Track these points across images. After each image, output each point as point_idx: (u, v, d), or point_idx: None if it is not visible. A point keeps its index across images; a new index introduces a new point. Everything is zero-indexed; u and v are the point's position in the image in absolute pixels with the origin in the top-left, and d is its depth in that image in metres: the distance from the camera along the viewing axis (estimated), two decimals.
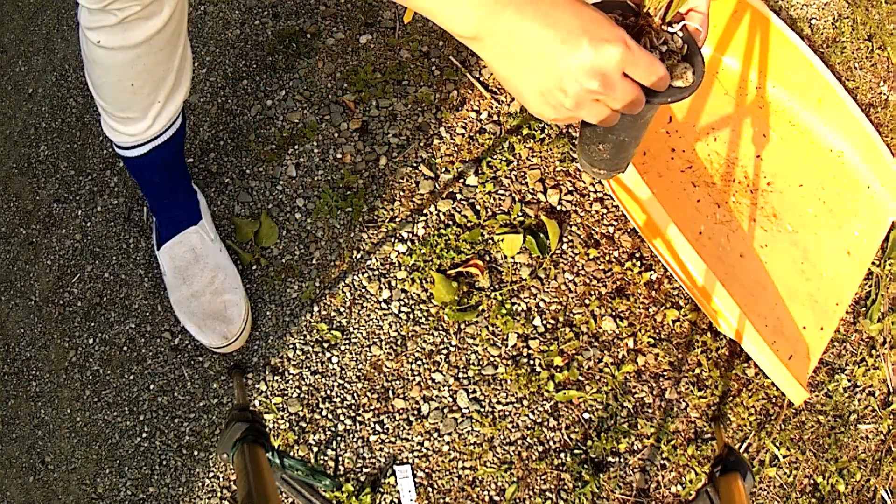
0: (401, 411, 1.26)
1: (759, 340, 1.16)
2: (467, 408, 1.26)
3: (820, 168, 1.48)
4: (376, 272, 1.32)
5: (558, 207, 1.36)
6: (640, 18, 0.68)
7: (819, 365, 1.35)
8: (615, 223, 1.37)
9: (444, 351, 1.28)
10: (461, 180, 1.37)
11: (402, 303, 1.30)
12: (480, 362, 1.28)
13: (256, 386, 1.26)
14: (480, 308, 1.30)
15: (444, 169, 1.38)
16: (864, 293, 1.41)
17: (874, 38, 1.62)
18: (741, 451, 1.28)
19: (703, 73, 0.69)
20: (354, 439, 1.24)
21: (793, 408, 1.31)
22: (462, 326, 1.29)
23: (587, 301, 1.32)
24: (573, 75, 0.53)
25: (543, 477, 1.24)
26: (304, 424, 1.25)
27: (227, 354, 1.28)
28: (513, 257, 1.33)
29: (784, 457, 1.29)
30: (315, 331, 1.29)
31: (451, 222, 1.35)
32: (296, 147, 1.40)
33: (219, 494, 1.23)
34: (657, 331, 1.32)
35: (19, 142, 1.45)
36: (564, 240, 1.36)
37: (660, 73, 0.57)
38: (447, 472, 1.24)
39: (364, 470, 1.23)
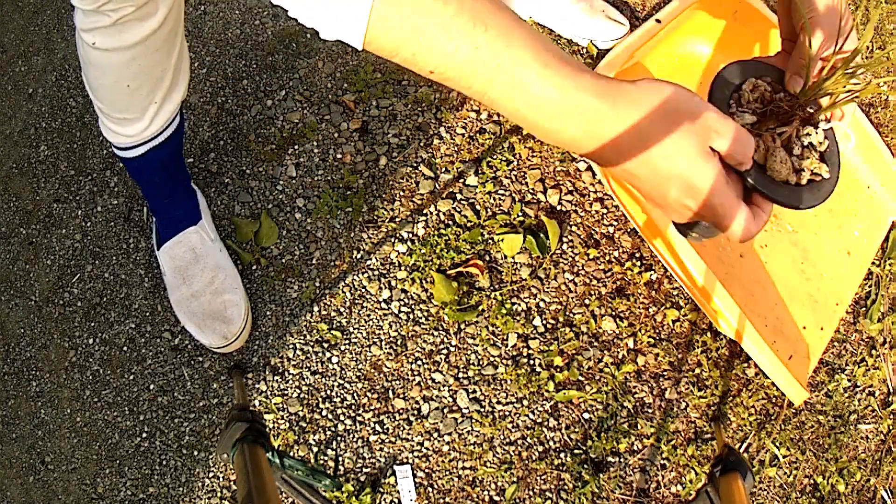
0: (401, 411, 1.26)
1: (759, 340, 1.16)
2: (467, 408, 1.26)
3: None
4: (376, 272, 1.32)
5: (558, 207, 1.36)
6: (788, 101, 0.64)
7: (819, 365, 1.35)
8: (615, 223, 1.37)
9: (444, 351, 1.28)
10: (461, 180, 1.37)
11: (402, 303, 1.30)
12: (480, 362, 1.28)
13: (256, 386, 1.26)
14: (480, 308, 1.30)
15: (444, 169, 1.38)
16: (864, 293, 1.41)
17: (874, 38, 1.62)
18: (741, 451, 1.28)
19: (837, 179, 0.65)
20: (354, 439, 1.24)
21: (793, 408, 1.31)
22: (462, 326, 1.29)
23: (587, 301, 1.32)
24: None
25: (543, 477, 1.24)
26: (304, 424, 1.25)
27: (227, 354, 1.28)
28: (513, 257, 1.33)
29: (784, 457, 1.29)
30: (315, 331, 1.29)
31: (451, 222, 1.35)
32: (296, 147, 1.40)
33: (219, 494, 1.23)
34: (657, 331, 1.32)
35: (19, 142, 1.45)
36: (564, 240, 1.36)
37: (745, 234, 0.57)
38: (447, 472, 1.24)
39: (364, 470, 1.23)
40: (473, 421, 1.25)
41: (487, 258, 1.33)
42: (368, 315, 1.30)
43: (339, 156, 1.39)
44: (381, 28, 0.47)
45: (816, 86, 0.64)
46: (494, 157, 1.39)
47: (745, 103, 0.65)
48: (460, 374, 1.27)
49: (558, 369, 1.28)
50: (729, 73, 0.66)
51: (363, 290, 1.31)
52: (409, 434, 1.25)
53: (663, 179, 0.54)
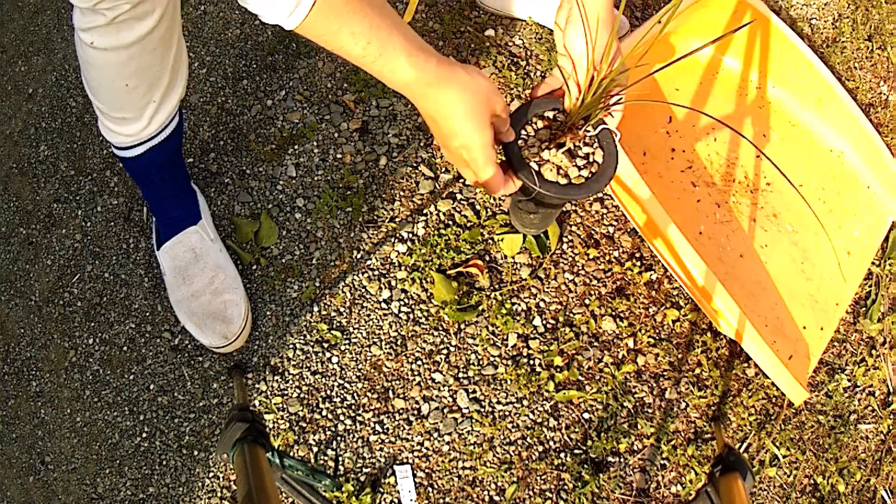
0: (401, 411, 1.26)
1: (759, 340, 1.16)
2: (467, 408, 1.26)
3: (820, 168, 1.48)
4: (376, 272, 1.32)
5: None
6: (567, 119, 0.89)
7: (819, 365, 1.35)
8: (615, 223, 1.37)
9: (444, 351, 1.28)
10: (461, 180, 1.37)
11: (402, 303, 1.30)
12: (480, 362, 1.28)
13: (256, 386, 1.26)
14: (480, 308, 1.30)
15: (444, 169, 1.38)
16: (864, 293, 1.41)
17: (874, 38, 1.62)
18: (741, 451, 1.28)
19: (609, 179, 0.90)
20: (354, 439, 1.24)
21: (793, 408, 1.31)
22: (462, 326, 1.29)
23: (587, 301, 1.32)
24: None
25: (543, 477, 1.24)
26: (304, 424, 1.25)
27: (226, 354, 1.28)
28: (513, 257, 1.33)
29: (784, 457, 1.29)
30: (315, 331, 1.29)
31: (451, 222, 1.35)
32: (296, 147, 1.40)
33: (219, 494, 1.23)
34: (657, 331, 1.32)
35: (19, 142, 1.45)
36: (564, 240, 1.36)
37: (485, 179, 0.84)
38: (447, 472, 1.24)
39: (364, 470, 1.23)
40: (473, 421, 1.25)
41: (487, 258, 1.33)
42: (368, 315, 1.30)
43: (339, 156, 1.39)
44: (309, 25, 0.69)
45: (579, 109, 0.87)
46: None
47: (535, 134, 0.90)
48: (460, 374, 1.27)
49: (558, 369, 1.28)
50: (518, 113, 0.91)
51: (363, 290, 1.31)
52: (409, 434, 1.25)
53: (451, 132, 0.80)
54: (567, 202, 1.07)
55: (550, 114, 0.91)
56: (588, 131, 0.90)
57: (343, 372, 1.27)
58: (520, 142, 0.90)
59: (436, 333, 1.29)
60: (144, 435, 1.26)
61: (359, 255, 1.33)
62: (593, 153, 0.91)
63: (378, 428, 1.25)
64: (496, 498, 1.23)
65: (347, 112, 1.42)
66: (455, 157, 0.84)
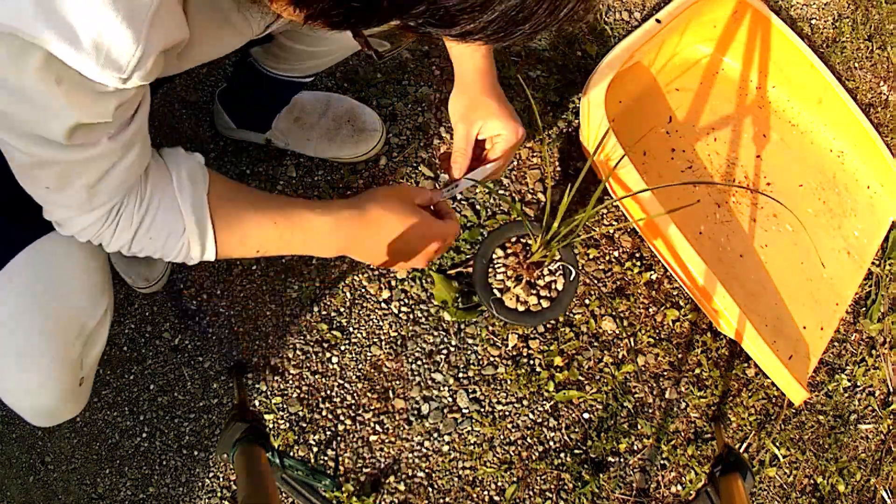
0: (401, 411, 1.26)
1: (759, 340, 1.16)
2: (467, 408, 1.26)
3: (820, 168, 1.48)
4: (376, 272, 1.32)
5: (557, 207, 1.36)
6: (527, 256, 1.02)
7: (819, 365, 1.35)
8: (615, 223, 1.37)
9: (444, 351, 1.28)
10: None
11: (402, 303, 1.30)
12: (480, 362, 1.28)
13: (256, 386, 1.26)
14: (480, 308, 1.30)
15: (444, 169, 1.38)
16: (864, 293, 1.41)
17: (874, 38, 1.62)
18: (741, 451, 1.28)
19: (564, 309, 1.06)
20: (354, 439, 1.24)
21: (793, 408, 1.31)
22: (462, 326, 1.29)
23: (587, 301, 1.32)
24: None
25: (543, 477, 1.24)
26: (304, 424, 1.25)
27: (150, 295, 1.28)
28: None
29: (784, 457, 1.29)
30: (315, 331, 1.29)
31: None
32: None
33: (219, 494, 1.23)
34: (657, 331, 1.32)
35: None
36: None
37: (449, 233, 0.93)
38: (447, 472, 1.24)
39: (364, 470, 1.23)
40: (473, 421, 1.25)
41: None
42: (368, 315, 1.30)
43: None
44: (223, 251, 0.78)
45: (538, 251, 0.98)
46: None
47: (503, 260, 1.01)
48: (460, 374, 1.27)
49: (558, 369, 1.28)
50: (487, 240, 1.03)
51: (363, 290, 1.31)
52: (409, 434, 1.25)
53: (392, 230, 0.86)
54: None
55: (516, 243, 1.01)
56: (548, 269, 1.00)
57: (343, 372, 1.27)
58: (490, 269, 1.00)
59: (436, 333, 1.29)
60: (144, 435, 1.26)
61: None
62: (555, 281, 1.00)
63: (378, 428, 1.25)
64: (496, 498, 1.23)
65: None
66: (418, 258, 0.91)
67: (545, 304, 0.99)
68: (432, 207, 0.93)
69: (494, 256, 1.01)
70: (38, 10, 0.50)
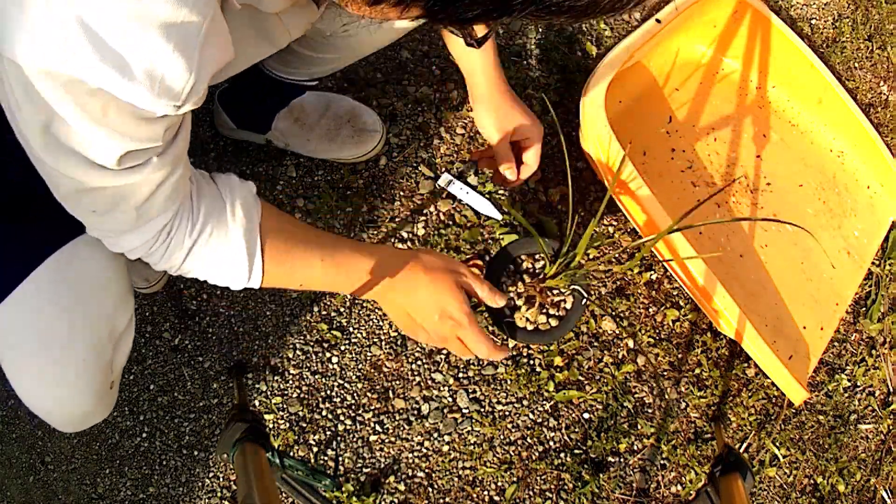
0: (401, 411, 1.26)
1: (759, 340, 1.16)
2: (467, 408, 1.26)
3: (820, 168, 1.48)
4: None
5: (558, 207, 1.36)
6: (538, 281, 1.00)
7: (819, 365, 1.35)
8: (615, 223, 1.37)
9: (444, 351, 1.28)
10: (461, 180, 1.37)
11: None
12: (480, 362, 1.28)
13: (256, 386, 1.26)
14: (480, 308, 1.30)
15: (443, 169, 1.38)
16: (864, 293, 1.41)
17: (874, 38, 1.62)
18: (741, 451, 1.28)
19: (571, 327, 1.02)
20: (354, 439, 1.24)
21: (793, 408, 1.31)
22: None
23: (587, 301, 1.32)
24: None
25: (543, 477, 1.24)
26: (304, 424, 1.25)
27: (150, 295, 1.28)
28: None
29: (784, 457, 1.29)
30: (315, 331, 1.29)
31: (451, 222, 1.35)
32: None
33: (219, 494, 1.23)
34: (657, 331, 1.32)
35: None
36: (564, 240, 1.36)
37: (482, 353, 0.92)
38: (447, 472, 1.24)
39: (364, 470, 1.23)
40: (473, 421, 1.25)
41: (487, 258, 1.33)
42: (368, 315, 1.30)
43: None
44: (267, 282, 0.80)
45: (549, 279, 0.98)
46: None
47: (517, 276, 1.01)
48: (460, 375, 1.27)
49: (558, 369, 1.28)
50: (497, 258, 1.03)
51: None
52: (409, 434, 1.25)
53: (424, 305, 0.89)
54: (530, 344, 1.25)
55: (528, 262, 1.03)
56: (560, 290, 1.01)
57: (343, 372, 1.27)
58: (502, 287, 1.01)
59: None
60: (144, 435, 1.26)
61: None
62: (564, 301, 1.01)
63: (378, 428, 1.25)
64: (496, 498, 1.23)
65: None
66: (440, 332, 0.90)
67: (553, 322, 1.00)
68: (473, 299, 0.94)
69: (503, 280, 1.03)
70: (91, 47, 0.50)
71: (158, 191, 0.66)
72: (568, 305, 1.01)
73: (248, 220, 0.76)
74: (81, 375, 0.79)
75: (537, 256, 1.03)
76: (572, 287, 1.00)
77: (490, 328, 1.25)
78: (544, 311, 1.00)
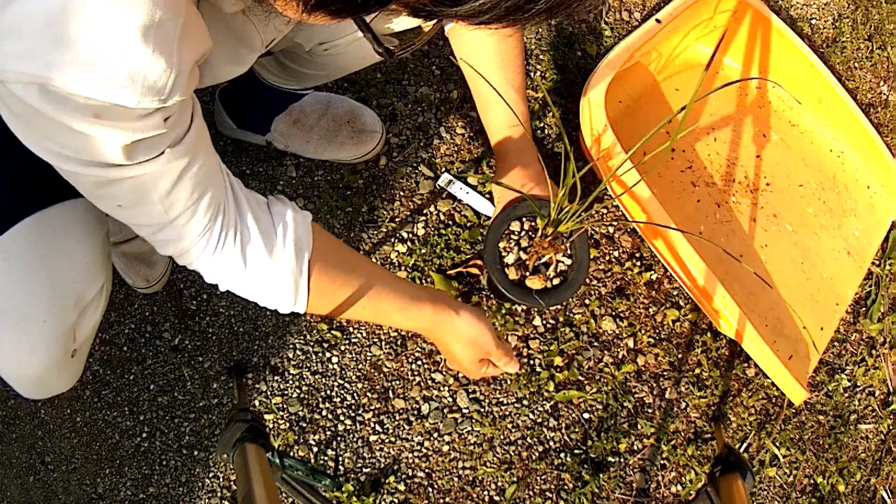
0: (401, 411, 1.26)
1: (759, 340, 1.16)
2: (467, 408, 1.26)
3: (820, 168, 1.48)
4: None
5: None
6: (537, 235, 1.01)
7: (819, 365, 1.35)
8: (615, 223, 1.37)
9: None
10: (461, 180, 1.37)
11: None
12: None
13: (256, 386, 1.26)
14: (480, 308, 1.30)
15: (444, 169, 1.38)
16: (864, 293, 1.41)
17: (874, 38, 1.62)
18: (741, 451, 1.28)
19: (575, 290, 1.02)
20: (354, 439, 1.24)
21: (793, 408, 1.31)
22: None
23: (587, 301, 1.32)
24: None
25: (543, 477, 1.24)
26: (304, 424, 1.25)
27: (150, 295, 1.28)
28: None
29: (784, 457, 1.29)
30: (315, 331, 1.29)
31: (451, 222, 1.35)
32: None
33: (219, 494, 1.23)
34: (657, 331, 1.32)
35: None
36: None
37: (510, 369, 1.03)
38: (447, 472, 1.24)
39: (364, 470, 1.23)
40: (473, 421, 1.25)
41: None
42: None
43: None
44: (311, 310, 0.84)
45: (554, 227, 0.98)
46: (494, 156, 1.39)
47: (515, 238, 1.02)
48: (460, 375, 1.27)
49: (558, 369, 1.28)
50: (503, 216, 1.02)
51: None
52: (409, 434, 1.25)
53: (451, 357, 0.99)
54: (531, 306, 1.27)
55: (526, 223, 1.04)
56: (562, 243, 1.02)
57: (343, 372, 1.27)
58: (501, 244, 1.02)
59: None
60: (144, 435, 1.26)
61: None
62: (564, 262, 1.02)
63: (378, 428, 1.25)
64: (496, 498, 1.23)
65: None
66: (475, 374, 1.03)
67: (567, 262, 1.01)
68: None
69: (514, 225, 1.03)
70: (67, 59, 0.51)
71: (180, 183, 0.67)
72: (566, 267, 1.02)
73: (299, 256, 0.80)
74: (39, 334, 0.79)
75: (524, 219, 1.05)
76: (574, 237, 1.01)
77: (513, 307, 1.28)
78: (545, 273, 1.01)
